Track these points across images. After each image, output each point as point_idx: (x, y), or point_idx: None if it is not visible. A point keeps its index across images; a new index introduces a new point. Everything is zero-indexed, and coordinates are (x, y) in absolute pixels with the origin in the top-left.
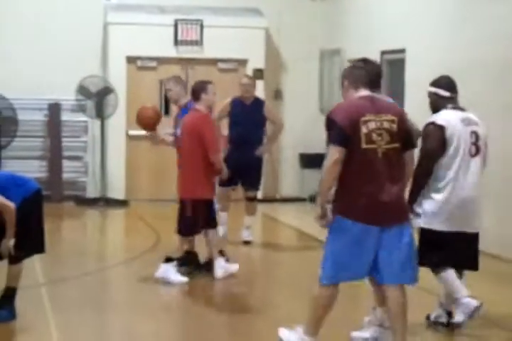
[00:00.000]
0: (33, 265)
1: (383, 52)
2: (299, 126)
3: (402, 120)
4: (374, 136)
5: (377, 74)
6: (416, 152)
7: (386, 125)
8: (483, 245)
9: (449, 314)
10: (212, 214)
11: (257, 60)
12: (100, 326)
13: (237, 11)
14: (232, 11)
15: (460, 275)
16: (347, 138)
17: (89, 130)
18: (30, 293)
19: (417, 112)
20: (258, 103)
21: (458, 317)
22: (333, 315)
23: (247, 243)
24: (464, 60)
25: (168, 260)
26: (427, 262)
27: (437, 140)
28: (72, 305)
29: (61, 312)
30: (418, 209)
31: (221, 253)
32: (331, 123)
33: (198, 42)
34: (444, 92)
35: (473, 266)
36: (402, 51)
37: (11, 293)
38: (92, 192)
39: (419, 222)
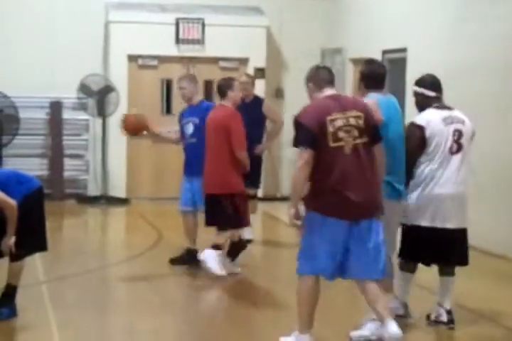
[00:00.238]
0: (34, 263)
1: (384, 51)
2: None
3: (367, 115)
4: (341, 133)
5: (380, 75)
6: None
7: (353, 121)
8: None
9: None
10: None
11: (258, 59)
12: (101, 324)
13: (238, 10)
14: (233, 9)
15: (451, 272)
16: (314, 139)
17: (91, 128)
18: (31, 291)
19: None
20: (257, 101)
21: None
22: (333, 315)
23: (248, 241)
24: (465, 60)
25: (216, 247)
26: (410, 257)
27: (417, 139)
28: (73, 303)
29: (62, 310)
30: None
31: (217, 247)
32: (298, 126)
33: (200, 41)
34: (430, 92)
35: (461, 261)
36: (404, 50)
37: (11, 290)
38: (93, 191)
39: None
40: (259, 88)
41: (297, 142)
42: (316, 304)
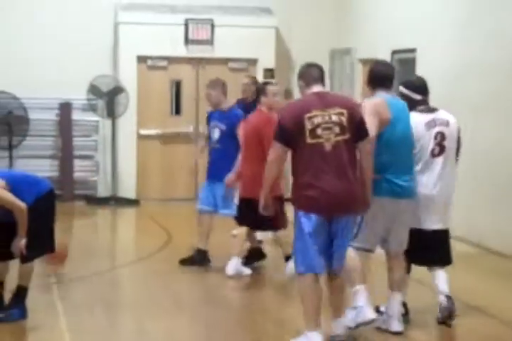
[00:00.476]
0: (44, 264)
1: (394, 52)
2: None
3: (352, 113)
4: (319, 130)
5: (387, 75)
6: None
7: (335, 118)
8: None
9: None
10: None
11: (267, 60)
12: (111, 325)
13: (247, 11)
14: (242, 10)
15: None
16: (288, 135)
17: (100, 129)
18: (41, 292)
19: None
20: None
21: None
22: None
23: (259, 242)
24: (474, 60)
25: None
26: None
27: None
28: (83, 305)
29: (72, 312)
30: None
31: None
32: (278, 122)
33: (209, 42)
34: (416, 95)
35: (445, 261)
36: (413, 51)
37: (22, 292)
38: (102, 192)
39: None
40: None
41: (274, 137)
42: (320, 300)
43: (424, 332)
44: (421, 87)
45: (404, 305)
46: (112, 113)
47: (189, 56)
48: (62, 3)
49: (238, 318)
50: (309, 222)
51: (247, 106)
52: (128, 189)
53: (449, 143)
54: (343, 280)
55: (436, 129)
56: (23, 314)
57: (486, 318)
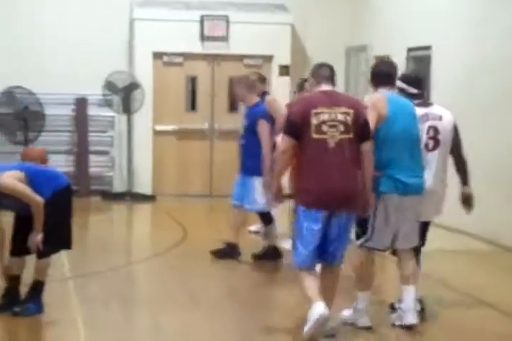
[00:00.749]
0: (60, 259)
1: (409, 49)
2: None
3: (357, 113)
4: (325, 127)
5: (387, 73)
6: None
7: (340, 117)
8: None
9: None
10: None
11: (282, 56)
12: (127, 320)
13: (262, 7)
14: (257, 6)
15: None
16: (296, 129)
17: (116, 125)
18: (57, 287)
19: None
20: (263, 98)
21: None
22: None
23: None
24: (488, 58)
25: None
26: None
27: None
28: (99, 300)
29: (88, 306)
30: None
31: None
32: (287, 116)
33: (224, 38)
34: (413, 90)
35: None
36: (429, 48)
37: (38, 286)
38: (118, 187)
39: None
40: (285, 86)
41: (283, 130)
42: (319, 289)
43: (435, 326)
44: (417, 81)
45: (420, 301)
46: (127, 109)
47: (204, 52)
48: (77, 0)
49: (254, 314)
50: (310, 217)
51: None
52: (144, 184)
53: (443, 138)
54: (337, 274)
55: (429, 123)
56: (39, 308)
57: (498, 314)
